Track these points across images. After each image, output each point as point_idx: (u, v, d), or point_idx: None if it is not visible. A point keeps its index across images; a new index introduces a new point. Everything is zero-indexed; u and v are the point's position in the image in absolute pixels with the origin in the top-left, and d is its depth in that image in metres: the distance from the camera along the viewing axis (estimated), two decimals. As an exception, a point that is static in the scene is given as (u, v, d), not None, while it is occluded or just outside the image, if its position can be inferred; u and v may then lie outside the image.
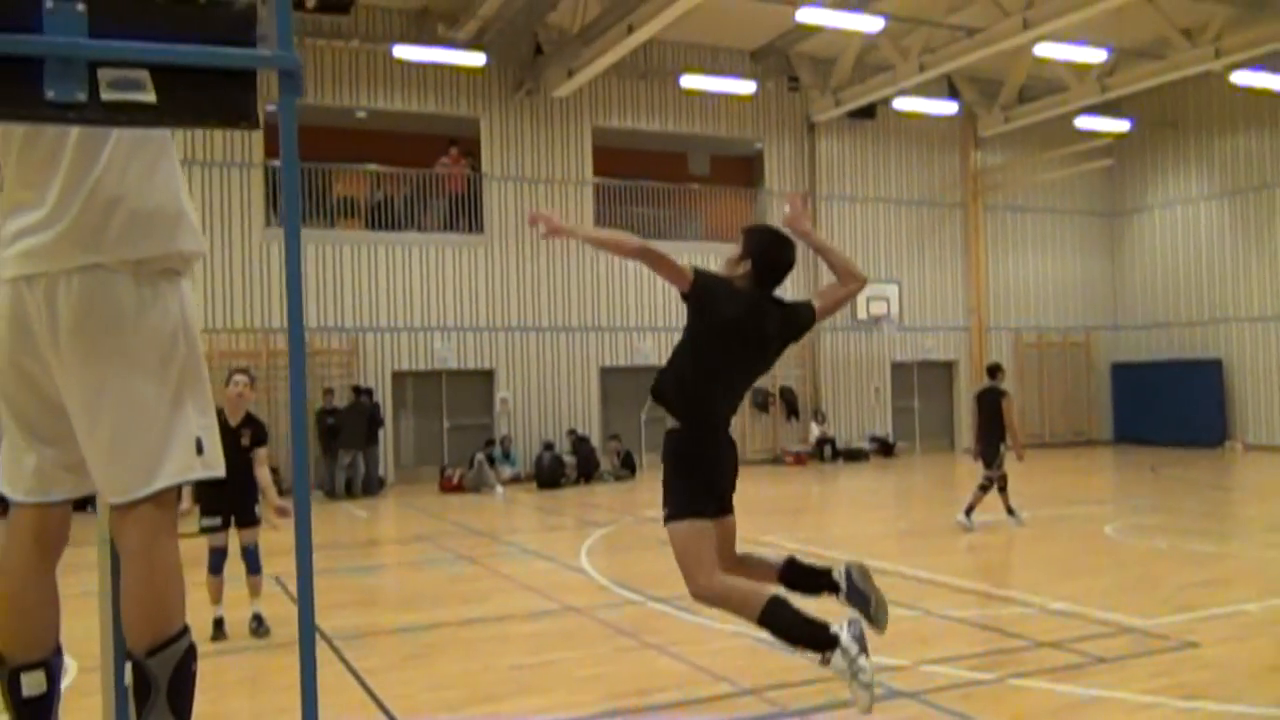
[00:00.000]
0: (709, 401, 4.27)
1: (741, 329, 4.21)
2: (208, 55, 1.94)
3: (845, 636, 4.07)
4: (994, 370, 12.40)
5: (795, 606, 4.23)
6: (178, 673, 2.61)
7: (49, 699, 2.71)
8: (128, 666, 2.61)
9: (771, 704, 5.22)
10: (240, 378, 7.53)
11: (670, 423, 4.38)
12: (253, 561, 7.45)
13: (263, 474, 7.53)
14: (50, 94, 1.85)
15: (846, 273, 4.64)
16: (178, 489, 2.69)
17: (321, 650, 6.73)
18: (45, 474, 2.75)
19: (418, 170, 20.12)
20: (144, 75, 1.88)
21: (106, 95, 1.87)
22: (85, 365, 2.56)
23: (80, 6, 1.87)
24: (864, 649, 4.09)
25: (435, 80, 19.85)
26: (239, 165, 18.33)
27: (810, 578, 4.55)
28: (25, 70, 1.86)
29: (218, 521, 7.31)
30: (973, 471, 20.53)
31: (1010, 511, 11.84)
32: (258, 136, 18.51)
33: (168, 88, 1.92)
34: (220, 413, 7.36)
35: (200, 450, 2.71)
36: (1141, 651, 6.07)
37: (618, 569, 9.71)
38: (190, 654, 2.66)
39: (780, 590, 4.28)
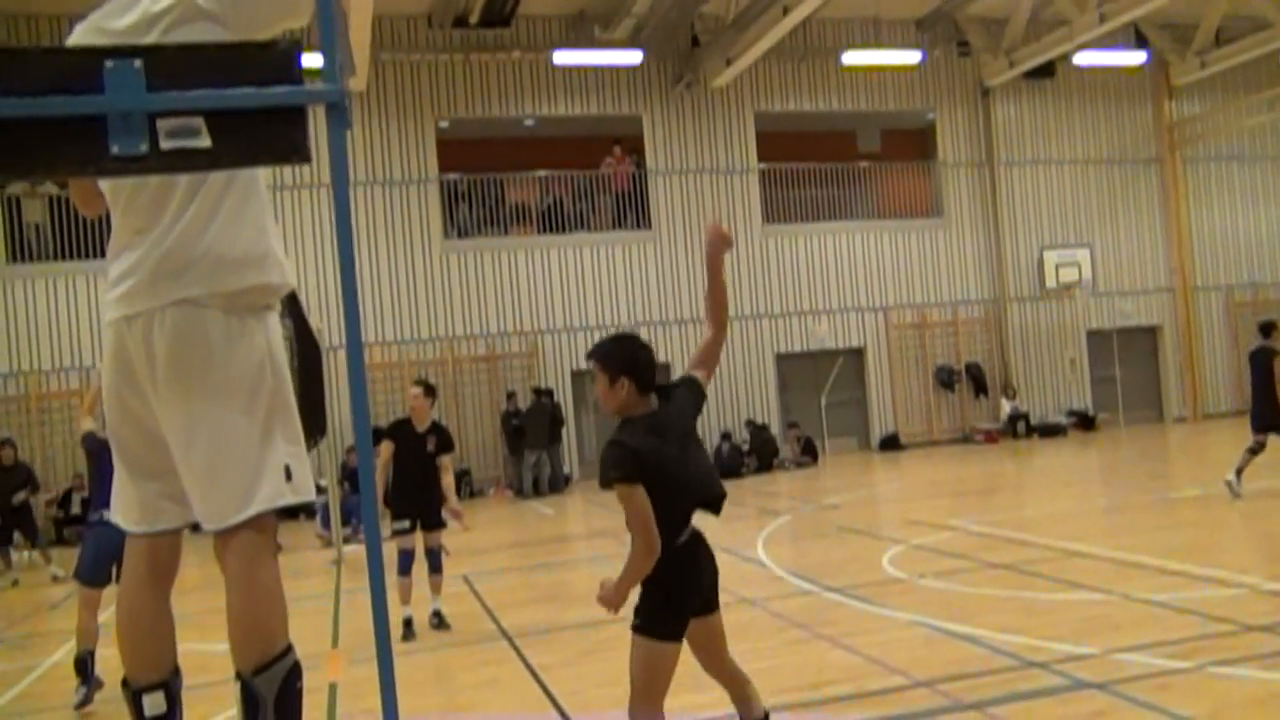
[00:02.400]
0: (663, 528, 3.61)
1: (666, 461, 3.57)
2: (258, 96, 2.03)
3: None
4: (1266, 328, 11.57)
5: None
6: (283, 691, 2.70)
7: (169, 718, 2.87)
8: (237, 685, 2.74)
9: (946, 696, 5.02)
10: (415, 389, 7.88)
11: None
12: (435, 562, 7.77)
13: (447, 480, 7.88)
14: (115, 149, 1.97)
15: (720, 322, 4.00)
16: (275, 514, 2.80)
17: (502, 648, 6.96)
18: (150, 505, 2.92)
19: (584, 172, 20.48)
20: (199, 122, 1.99)
21: (166, 144, 1.98)
22: (180, 399, 2.72)
23: (137, 63, 1.99)
24: None
25: (596, 82, 20.15)
26: (417, 182, 19.14)
27: None
28: (90, 128, 1.99)
29: (406, 525, 7.65)
30: (1184, 442, 19.31)
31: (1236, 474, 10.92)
32: (432, 152, 19.30)
33: (222, 131, 2.02)
34: (407, 421, 7.74)
35: (290, 477, 2.82)
36: (1367, 635, 5.51)
37: (794, 559, 9.60)
38: (295, 672, 2.76)
39: None
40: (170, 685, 2.88)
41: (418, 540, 7.72)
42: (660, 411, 3.59)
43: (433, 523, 7.75)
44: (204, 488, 2.75)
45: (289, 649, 2.76)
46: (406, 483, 7.69)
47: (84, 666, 6.07)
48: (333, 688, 6.12)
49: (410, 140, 19.23)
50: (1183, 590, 6.91)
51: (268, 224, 2.87)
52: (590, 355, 3.60)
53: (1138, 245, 23.20)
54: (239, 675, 2.71)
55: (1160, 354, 23.48)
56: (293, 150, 2.06)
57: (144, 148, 1.98)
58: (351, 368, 2.13)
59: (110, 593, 4.97)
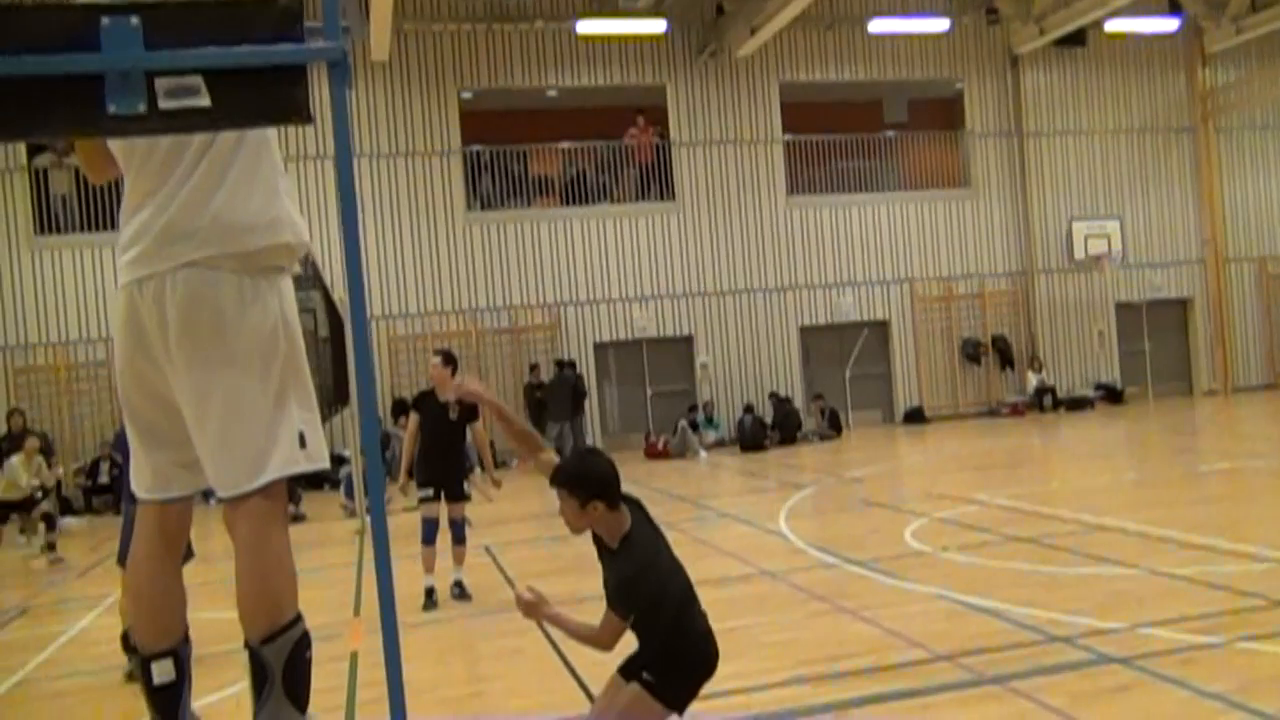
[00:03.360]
0: (685, 624, 3.58)
1: (671, 583, 3.55)
2: (258, 54, 1.98)
3: None
4: None
5: None
6: (291, 660, 2.68)
7: (178, 686, 2.85)
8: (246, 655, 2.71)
9: (967, 670, 4.97)
10: (434, 358, 7.91)
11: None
12: (458, 533, 7.78)
13: (483, 451, 8.03)
14: (112, 108, 1.93)
15: (538, 447, 3.84)
16: (287, 482, 2.77)
17: (522, 619, 6.95)
18: (163, 472, 2.90)
19: (607, 143, 20.35)
20: (198, 81, 1.94)
21: (164, 104, 1.93)
22: (192, 365, 2.69)
23: (134, 20, 1.94)
24: None
25: (619, 52, 19.99)
26: (440, 153, 19.09)
27: None
28: (87, 87, 1.94)
29: (430, 493, 7.66)
30: (1214, 416, 19.06)
31: None
32: (455, 124, 19.22)
33: (221, 90, 1.97)
34: (431, 392, 7.77)
35: (303, 444, 2.78)
36: (1400, 611, 5.42)
37: (816, 531, 9.56)
38: (303, 642, 2.73)
39: None
40: (179, 653, 2.85)
41: (442, 510, 7.72)
42: (636, 526, 3.51)
43: (456, 494, 7.76)
44: (217, 454, 2.72)
45: (298, 618, 2.73)
46: (431, 453, 7.72)
47: (129, 642, 6.16)
48: (354, 656, 6.15)
49: (433, 111, 19.16)
50: (1211, 564, 6.83)
51: (280, 184, 2.82)
52: (554, 480, 3.51)
53: (1169, 216, 22.85)
54: (247, 644, 2.70)
55: (1190, 326, 23.17)
56: (294, 110, 2.01)
57: (142, 107, 1.93)
58: (355, 331, 2.09)
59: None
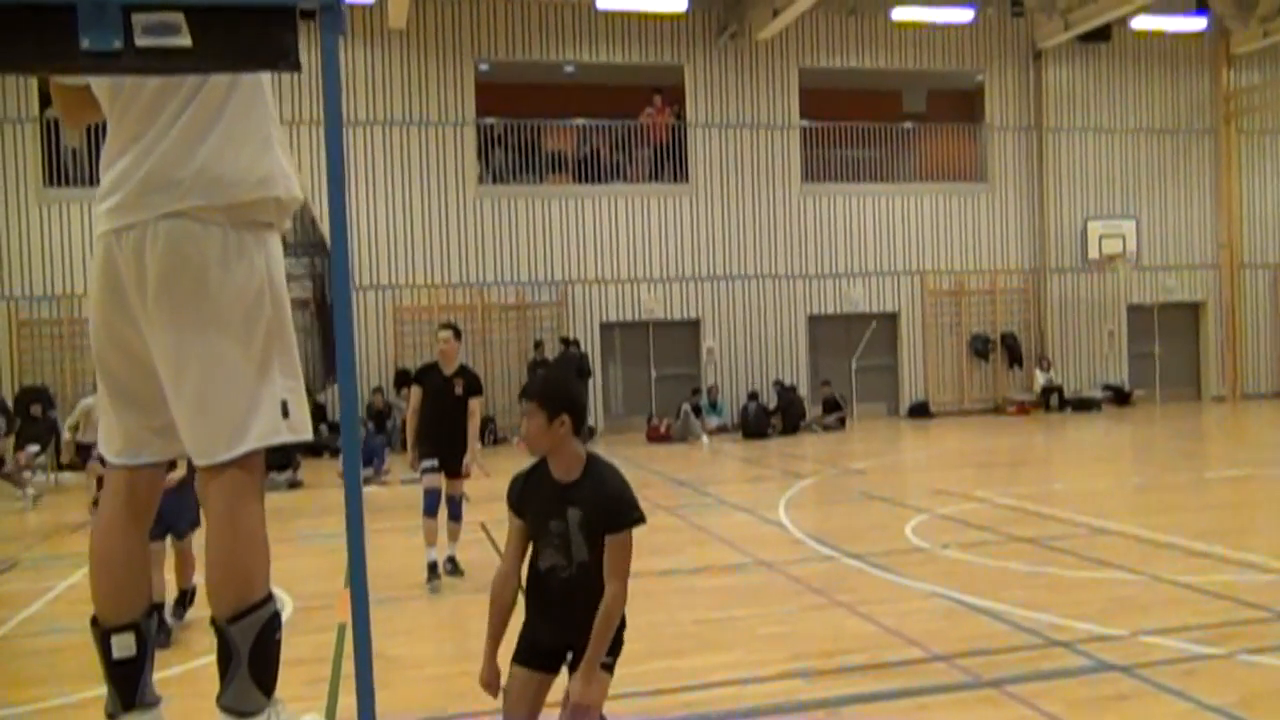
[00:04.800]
0: None
1: None
2: (243, -8, 1.86)
3: None
4: None
5: None
6: (259, 641, 2.55)
7: (139, 661, 2.71)
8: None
9: (964, 672, 4.88)
10: (444, 332, 7.79)
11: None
12: (455, 510, 7.71)
13: (472, 425, 7.85)
14: (85, 43, 1.81)
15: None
16: (265, 453, 2.64)
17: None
18: (134, 437, 2.76)
19: (623, 121, 20.17)
20: (179, 18, 1.82)
21: (142, 41, 1.81)
22: (171, 323, 2.55)
23: (112, -52, 1.81)
24: None
25: (639, 29, 19.79)
26: (453, 124, 18.93)
27: None
28: (59, 19, 1.81)
29: (434, 462, 7.56)
30: (1222, 422, 18.93)
31: None
32: (470, 95, 19.06)
33: (204, 30, 1.85)
34: (435, 365, 7.67)
35: (286, 413, 2.64)
36: None
37: (815, 523, 9.46)
38: (273, 623, 2.60)
39: None
40: (141, 627, 2.72)
41: (444, 483, 7.63)
42: (593, 455, 3.35)
43: (456, 470, 7.68)
44: (194, 420, 2.59)
45: (268, 598, 2.60)
46: (434, 426, 7.63)
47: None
48: (341, 628, 6.08)
49: (449, 81, 18.99)
50: (1215, 573, 6.72)
51: (273, 134, 2.67)
52: (524, 394, 3.35)
53: (1185, 219, 22.64)
54: (213, 621, 2.58)
55: (1202, 331, 22.99)
56: (281, 55, 1.89)
57: (118, 44, 1.81)
58: (338, 314, 1.98)
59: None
